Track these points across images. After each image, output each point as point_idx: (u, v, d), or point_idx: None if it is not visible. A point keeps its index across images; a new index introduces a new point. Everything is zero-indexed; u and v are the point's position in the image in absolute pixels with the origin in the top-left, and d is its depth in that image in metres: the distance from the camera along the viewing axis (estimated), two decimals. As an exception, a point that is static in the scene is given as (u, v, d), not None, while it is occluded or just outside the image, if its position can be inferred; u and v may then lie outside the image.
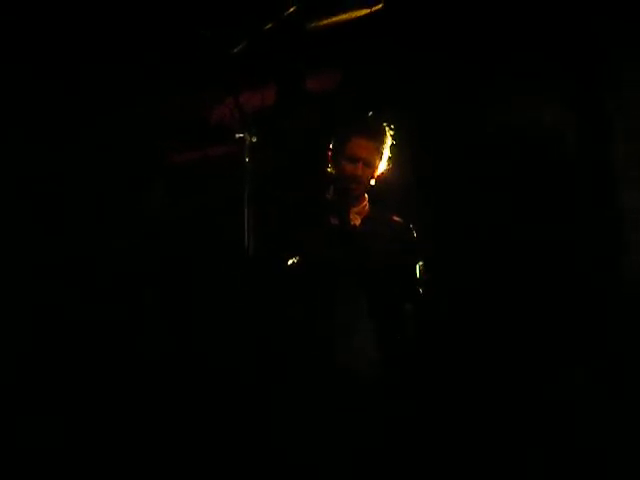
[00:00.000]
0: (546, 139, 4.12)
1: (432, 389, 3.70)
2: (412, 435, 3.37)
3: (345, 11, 4.31)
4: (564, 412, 3.82)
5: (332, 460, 3.16)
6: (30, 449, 3.99)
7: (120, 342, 4.29)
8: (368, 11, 4.24)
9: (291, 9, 3.79)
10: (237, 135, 3.28)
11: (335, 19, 4.33)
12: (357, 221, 3.38)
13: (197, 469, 3.95)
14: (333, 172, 3.41)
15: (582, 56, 4.03)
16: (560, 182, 4.06)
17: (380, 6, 4.21)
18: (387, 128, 3.41)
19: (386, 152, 3.40)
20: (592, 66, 4.02)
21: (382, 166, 3.40)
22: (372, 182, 3.41)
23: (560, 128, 4.10)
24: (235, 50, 3.61)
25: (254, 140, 3.28)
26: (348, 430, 3.16)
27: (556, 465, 3.78)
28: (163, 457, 4.02)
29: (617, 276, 3.91)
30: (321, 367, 3.19)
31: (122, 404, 4.16)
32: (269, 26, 3.71)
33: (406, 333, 3.33)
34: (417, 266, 3.38)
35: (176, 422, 4.09)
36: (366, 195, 3.43)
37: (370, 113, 3.49)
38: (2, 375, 4.10)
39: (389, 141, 3.40)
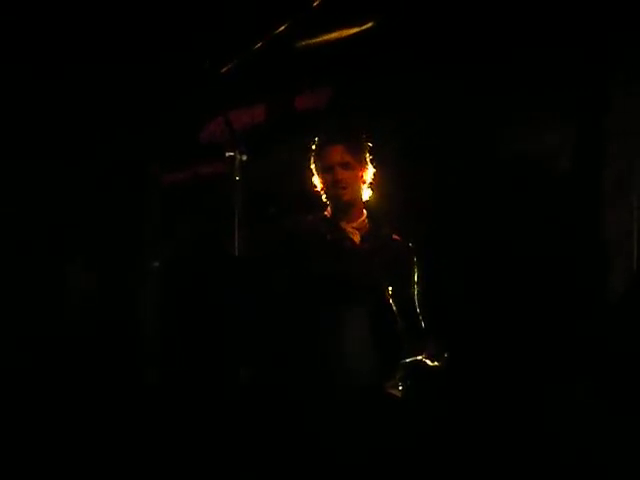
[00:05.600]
0: (542, 158, 4.15)
1: (433, 403, 3.70)
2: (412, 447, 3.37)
3: (335, 30, 4.33)
4: (564, 426, 3.83)
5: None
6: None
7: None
8: (358, 30, 4.26)
9: (281, 28, 3.80)
10: (227, 153, 3.28)
11: (325, 38, 4.35)
12: (356, 237, 3.36)
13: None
14: (321, 188, 3.40)
15: (582, 80, 4.05)
16: (553, 201, 4.08)
17: (370, 25, 4.22)
18: (356, 128, 3.40)
19: (366, 154, 3.38)
20: (592, 89, 4.05)
21: (370, 171, 3.39)
22: (366, 191, 3.39)
23: (555, 149, 4.12)
24: (225, 68, 3.61)
25: (244, 158, 3.27)
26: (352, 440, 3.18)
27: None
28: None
29: (603, 294, 3.96)
30: (320, 381, 3.20)
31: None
32: (259, 45, 3.72)
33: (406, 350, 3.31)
34: (416, 285, 3.38)
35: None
36: (364, 211, 3.41)
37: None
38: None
39: (364, 142, 3.39)
